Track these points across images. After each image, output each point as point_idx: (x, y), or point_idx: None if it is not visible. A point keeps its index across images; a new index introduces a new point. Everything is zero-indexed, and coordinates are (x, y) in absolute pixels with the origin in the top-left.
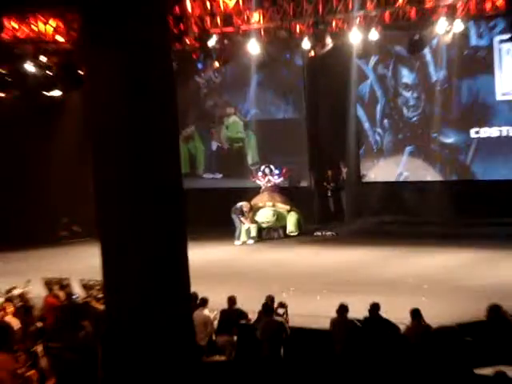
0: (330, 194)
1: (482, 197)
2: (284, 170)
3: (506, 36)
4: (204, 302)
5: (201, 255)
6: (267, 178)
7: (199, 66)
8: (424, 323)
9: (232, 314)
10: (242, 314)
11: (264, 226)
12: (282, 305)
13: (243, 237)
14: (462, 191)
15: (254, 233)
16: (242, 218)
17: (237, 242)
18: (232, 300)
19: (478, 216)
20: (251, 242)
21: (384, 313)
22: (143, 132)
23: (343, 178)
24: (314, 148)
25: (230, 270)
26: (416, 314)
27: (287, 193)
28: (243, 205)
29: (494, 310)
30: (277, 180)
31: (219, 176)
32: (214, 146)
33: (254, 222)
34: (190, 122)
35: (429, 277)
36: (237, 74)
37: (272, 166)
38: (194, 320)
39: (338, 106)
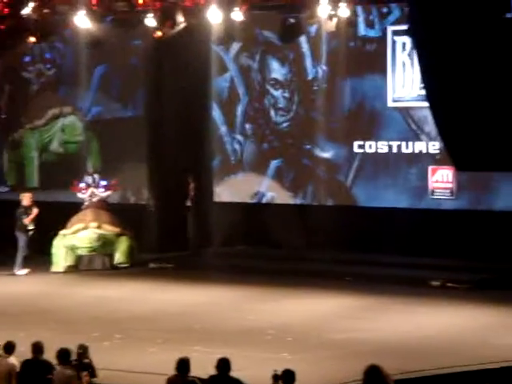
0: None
1: (364, 228)
2: (113, 182)
3: (402, 27)
4: (9, 349)
5: None
6: (90, 190)
7: (26, 59)
8: None
9: (37, 367)
10: (49, 367)
11: (84, 252)
12: (83, 348)
13: (57, 263)
14: (338, 220)
15: (70, 260)
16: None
17: (19, 272)
18: (38, 347)
19: (357, 251)
20: (58, 269)
21: (236, 371)
22: None
23: (191, 195)
24: (155, 155)
25: (32, 310)
26: (288, 376)
27: (118, 211)
28: (22, 198)
29: (373, 373)
30: (103, 193)
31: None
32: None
33: (70, 246)
34: (19, 124)
35: (293, 327)
36: (75, 63)
37: (96, 176)
38: None
39: (188, 104)
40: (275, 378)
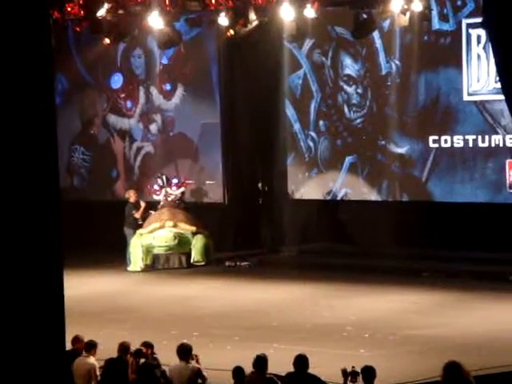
0: None
1: (440, 223)
2: (183, 178)
3: (477, 19)
4: (90, 347)
5: (75, 288)
6: (164, 190)
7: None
8: None
9: (121, 366)
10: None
11: (161, 251)
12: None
13: (135, 262)
14: (414, 215)
15: (147, 259)
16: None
17: (130, 268)
18: (124, 348)
19: (433, 247)
20: (136, 268)
21: (313, 368)
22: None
23: (262, 193)
24: (229, 154)
25: (111, 309)
26: (368, 372)
27: (194, 210)
28: (129, 195)
29: (453, 369)
30: (176, 191)
31: None
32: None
33: (146, 245)
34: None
35: (370, 323)
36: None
37: (164, 177)
38: (73, 372)
39: (260, 102)
40: (352, 374)
